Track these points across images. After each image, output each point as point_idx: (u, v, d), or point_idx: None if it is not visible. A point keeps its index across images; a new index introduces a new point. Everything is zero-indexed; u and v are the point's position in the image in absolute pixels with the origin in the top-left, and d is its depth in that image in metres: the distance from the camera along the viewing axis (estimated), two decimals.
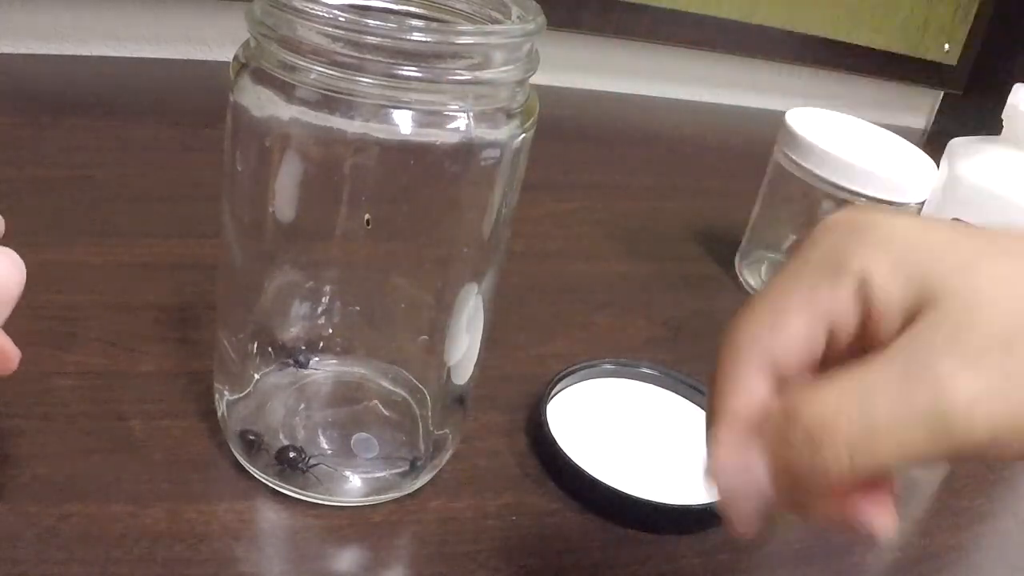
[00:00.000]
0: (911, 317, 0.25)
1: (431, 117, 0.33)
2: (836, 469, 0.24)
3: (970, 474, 0.51)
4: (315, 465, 0.39)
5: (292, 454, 0.39)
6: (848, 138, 0.62)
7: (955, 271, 0.25)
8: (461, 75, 0.32)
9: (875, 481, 0.26)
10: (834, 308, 0.26)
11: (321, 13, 0.31)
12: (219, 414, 0.41)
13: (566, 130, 0.86)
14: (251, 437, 0.40)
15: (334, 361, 0.44)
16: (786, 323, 0.27)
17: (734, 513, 0.27)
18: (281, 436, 0.41)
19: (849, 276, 0.26)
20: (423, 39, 0.31)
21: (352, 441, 0.41)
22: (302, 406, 0.43)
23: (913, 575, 0.45)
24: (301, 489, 0.39)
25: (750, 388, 0.27)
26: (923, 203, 0.55)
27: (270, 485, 0.39)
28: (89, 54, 0.79)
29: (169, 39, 0.82)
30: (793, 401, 0.25)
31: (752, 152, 0.74)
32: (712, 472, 0.27)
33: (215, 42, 0.83)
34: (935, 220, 0.28)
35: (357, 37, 0.31)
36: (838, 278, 0.26)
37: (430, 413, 0.43)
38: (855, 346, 0.27)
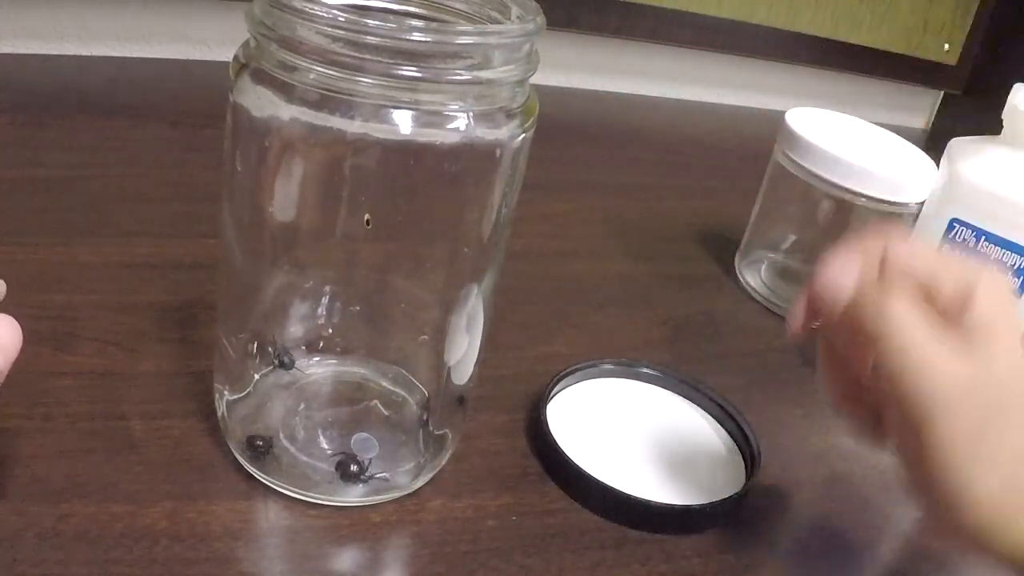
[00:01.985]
0: None
1: (431, 117, 0.33)
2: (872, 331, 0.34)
3: None
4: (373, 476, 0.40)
5: (354, 467, 0.39)
6: (848, 138, 0.62)
7: None
8: (461, 75, 0.32)
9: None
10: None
11: (321, 13, 0.31)
12: (219, 414, 0.41)
13: (566, 130, 0.86)
14: (258, 443, 0.40)
15: (334, 361, 0.44)
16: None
17: (801, 311, 0.37)
18: (282, 436, 0.41)
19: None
20: (423, 39, 0.31)
21: (352, 441, 0.41)
22: (302, 406, 0.43)
23: (914, 575, 0.45)
24: (302, 489, 0.39)
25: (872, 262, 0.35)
26: (923, 203, 0.55)
27: (270, 485, 0.39)
28: (89, 54, 0.79)
29: (169, 39, 0.82)
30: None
31: (752, 152, 0.74)
32: (825, 265, 0.36)
33: (215, 42, 0.83)
34: None
35: (357, 37, 0.31)
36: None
37: (430, 413, 0.43)
38: None
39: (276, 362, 0.42)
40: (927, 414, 0.32)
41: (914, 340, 0.33)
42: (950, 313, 0.33)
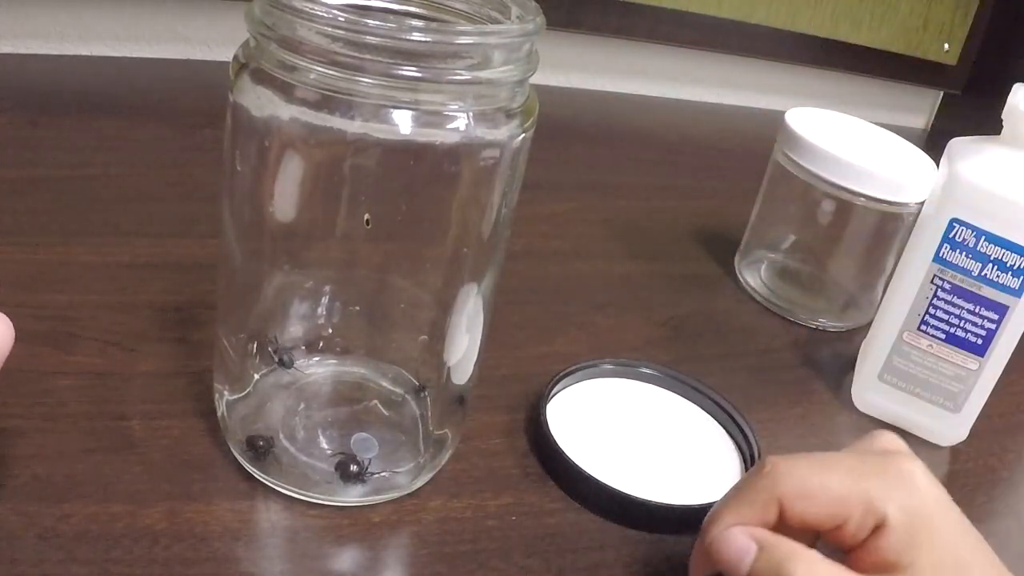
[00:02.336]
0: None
1: (431, 117, 0.33)
2: None
3: (971, 473, 0.51)
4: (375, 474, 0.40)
5: (354, 467, 0.39)
6: (848, 138, 0.62)
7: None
8: (461, 75, 0.32)
9: None
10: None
11: (321, 13, 0.31)
12: (219, 414, 0.41)
13: (566, 130, 0.86)
14: (259, 443, 0.40)
15: (334, 361, 0.44)
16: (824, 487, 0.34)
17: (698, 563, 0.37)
18: (282, 436, 0.41)
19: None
20: (423, 39, 0.31)
21: (352, 441, 0.41)
22: (302, 406, 0.43)
23: None
24: (302, 489, 0.39)
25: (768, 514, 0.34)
26: (923, 203, 0.55)
27: (270, 485, 0.39)
28: (89, 54, 0.79)
29: (169, 39, 0.82)
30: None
31: (752, 152, 0.74)
32: (716, 536, 0.35)
33: (215, 42, 0.83)
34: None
35: (357, 37, 0.31)
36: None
37: (430, 413, 0.43)
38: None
39: (276, 360, 0.42)
40: None
41: None
42: (863, 536, 0.33)
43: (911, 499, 0.33)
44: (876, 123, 0.66)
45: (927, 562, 0.32)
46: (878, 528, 0.33)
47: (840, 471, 0.34)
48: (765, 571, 0.33)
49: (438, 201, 0.38)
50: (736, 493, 0.36)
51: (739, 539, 0.34)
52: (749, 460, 0.47)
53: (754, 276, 0.66)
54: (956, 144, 0.50)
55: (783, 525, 0.34)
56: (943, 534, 0.33)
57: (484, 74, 0.33)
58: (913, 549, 0.32)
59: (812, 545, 0.36)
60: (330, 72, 0.31)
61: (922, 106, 1.20)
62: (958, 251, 0.49)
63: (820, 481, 0.34)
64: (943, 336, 0.51)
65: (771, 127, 0.65)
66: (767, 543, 0.34)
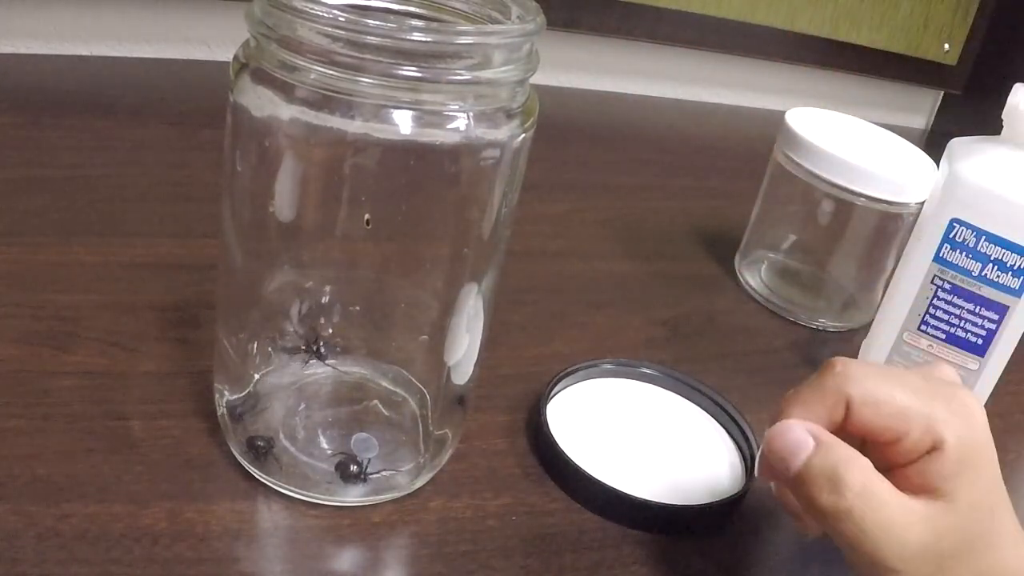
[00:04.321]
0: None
1: (431, 117, 0.33)
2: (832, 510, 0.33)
3: None
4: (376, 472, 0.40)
5: (354, 467, 0.39)
6: (848, 138, 0.62)
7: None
8: (461, 75, 0.32)
9: None
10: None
11: (321, 13, 0.31)
12: (219, 414, 0.41)
13: (566, 130, 0.86)
14: (259, 443, 0.40)
15: (334, 361, 0.44)
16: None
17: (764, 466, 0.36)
18: (282, 436, 0.41)
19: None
20: (423, 39, 0.31)
21: (352, 441, 0.41)
22: (302, 406, 0.43)
23: None
24: (302, 489, 0.39)
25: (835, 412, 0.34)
26: (923, 203, 0.55)
27: (270, 485, 0.39)
28: (89, 54, 0.79)
29: (169, 39, 0.82)
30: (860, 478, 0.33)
31: (752, 152, 0.74)
32: (775, 427, 0.35)
33: (215, 42, 0.83)
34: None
35: (357, 37, 0.31)
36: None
37: (430, 413, 0.43)
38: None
39: (313, 352, 0.42)
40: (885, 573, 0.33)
41: (873, 514, 0.32)
42: (915, 456, 0.33)
43: (969, 431, 0.33)
44: (876, 123, 0.66)
45: (965, 497, 0.33)
46: (932, 451, 0.33)
47: (908, 387, 0.34)
48: (819, 469, 0.33)
49: (438, 201, 0.38)
50: (805, 388, 0.35)
51: (797, 432, 0.34)
52: (749, 460, 0.47)
53: (754, 276, 0.66)
54: (956, 144, 0.50)
55: (840, 429, 0.34)
56: (987, 475, 0.33)
57: (484, 74, 0.33)
58: (958, 479, 0.32)
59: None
60: (330, 72, 0.31)
61: (922, 106, 1.20)
62: (958, 251, 0.49)
63: (888, 391, 0.34)
64: (943, 336, 0.51)
65: (771, 127, 0.65)
66: (825, 441, 0.33)
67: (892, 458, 0.34)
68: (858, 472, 0.32)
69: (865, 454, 0.34)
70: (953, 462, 0.33)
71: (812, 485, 0.33)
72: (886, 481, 0.33)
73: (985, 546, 0.33)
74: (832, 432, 0.34)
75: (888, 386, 0.34)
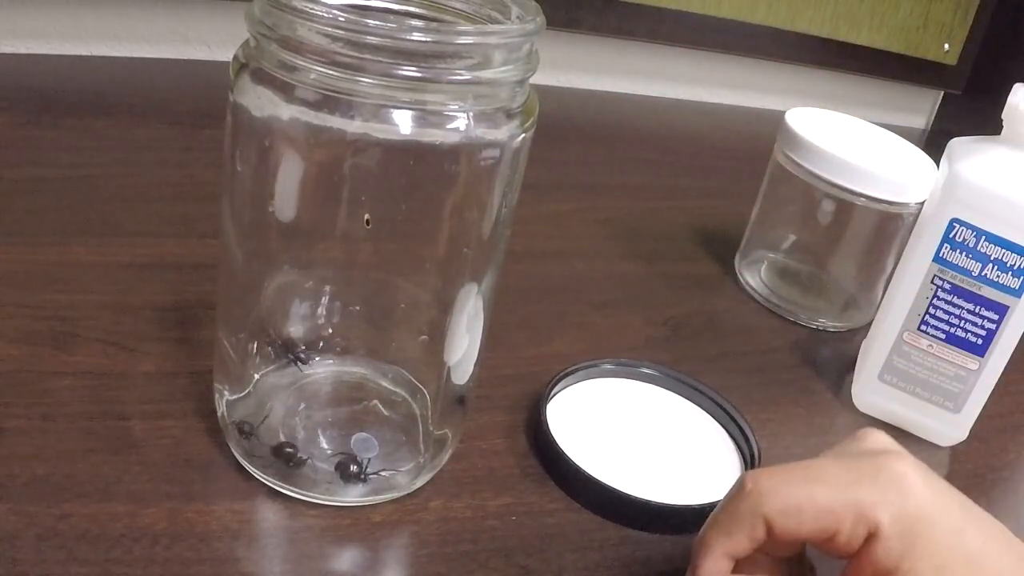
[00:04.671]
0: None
1: (431, 117, 0.33)
2: None
3: (971, 474, 0.51)
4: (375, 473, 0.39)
5: (354, 467, 0.39)
6: (848, 138, 0.62)
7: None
8: (461, 75, 0.32)
9: None
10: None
11: (321, 13, 0.31)
12: (219, 414, 0.41)
13: (566, 130, 0.86)
14: (245, 427, 0.40)
15: (334, 361, 0.44)
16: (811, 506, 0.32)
17: None
18: (281, 436, 0.41)
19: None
20: (423, 39, 0.31)
21: (352, 441, 0.41)
22: (302, 406, 0.43)
23: None
24: (301, 489, 0.39)
25: (755, 533, 0.33)
26: (923, 203, 0.55)
27: (270, 485, 0.39)
28: (89, 54, 0.79)
29: (169, 39, 0.82)
30: None
31: (752, 152, 0.74)
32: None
33: (215, 42, 0.83)
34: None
35: (357, 37, 0.31)
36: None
37: (430, 413, 0.43)
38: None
39: (290, 357, 0.42)
40: None
41: None
42: (857, 546, 0.32)
43: (904, 504, 0.31)
44: (876, 123, 0.66)
45: (928, 566, 0.31)
46: (872, 536, 0.32)
47: (826, 481, 0.33)
48: None
49: (438, 201, 0.38)
50: (721, 515, 0.34)
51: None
52: (749, 460, 0.47)
53: (754, 276, 0.66)
54: (956, 144, 0.50)
55: (772, 540, 0.33)
56: (943, 535, 0.32)
57: (484, 74, 0.33)
58: (911, 555, 0.31)
59: (800, 551, 0.35)
60: (330, 72, 0.31)
61: (922, 106, 1.20)
62: (958, 251, 0.49)
63: (806, 494, 0.32)
64: (943, 336, 0.51)
65: (771, 127, 0.65)
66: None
67: (837, 552, 0.33)
68: None
69: (809, 553, 0.33)
70: (896, 541, 0.31)
71: None
72: None
73: None
74: (764, 547, 0.33)
75: (805, 488, 0.32)
